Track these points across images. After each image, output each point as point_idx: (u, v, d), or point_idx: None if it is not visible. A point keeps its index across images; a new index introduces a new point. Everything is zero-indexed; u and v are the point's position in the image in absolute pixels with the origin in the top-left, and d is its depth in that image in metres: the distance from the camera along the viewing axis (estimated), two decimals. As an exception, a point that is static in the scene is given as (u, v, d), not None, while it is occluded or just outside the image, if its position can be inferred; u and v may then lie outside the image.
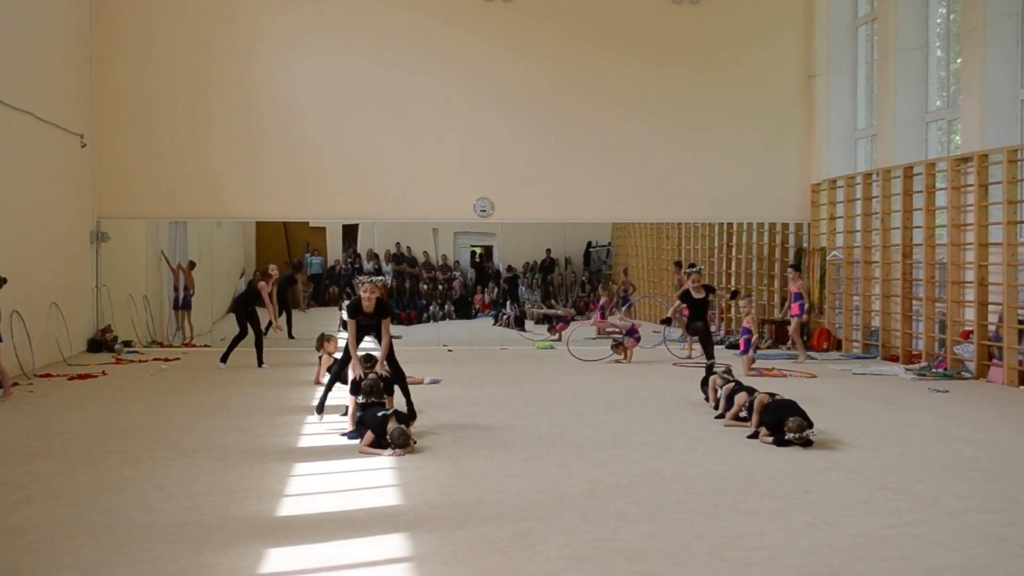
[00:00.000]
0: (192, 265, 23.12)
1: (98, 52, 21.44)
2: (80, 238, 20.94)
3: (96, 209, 21.62)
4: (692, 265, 16.74)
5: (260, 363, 18.14)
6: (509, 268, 24.66)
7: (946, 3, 19.55)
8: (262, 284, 18.08)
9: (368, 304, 11.72)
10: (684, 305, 16.00)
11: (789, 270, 20.93)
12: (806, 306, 19.90)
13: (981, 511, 8.04)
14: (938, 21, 19.79)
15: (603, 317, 22.51)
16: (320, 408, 12.44)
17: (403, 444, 10.25)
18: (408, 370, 16.28)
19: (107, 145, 21.61)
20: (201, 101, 21.80)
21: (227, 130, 21.82)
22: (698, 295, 15.74)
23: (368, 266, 24.46)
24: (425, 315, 24.52)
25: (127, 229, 21.96)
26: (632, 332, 19.44)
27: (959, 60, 18.42)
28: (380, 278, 11.95)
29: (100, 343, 20.71)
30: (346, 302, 13.95)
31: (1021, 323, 15.93)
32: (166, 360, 19.21)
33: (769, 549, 7.01)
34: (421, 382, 15.72)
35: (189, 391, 15.08)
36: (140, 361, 19.10)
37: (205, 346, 22.04)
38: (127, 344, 20.98)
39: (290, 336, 22.26)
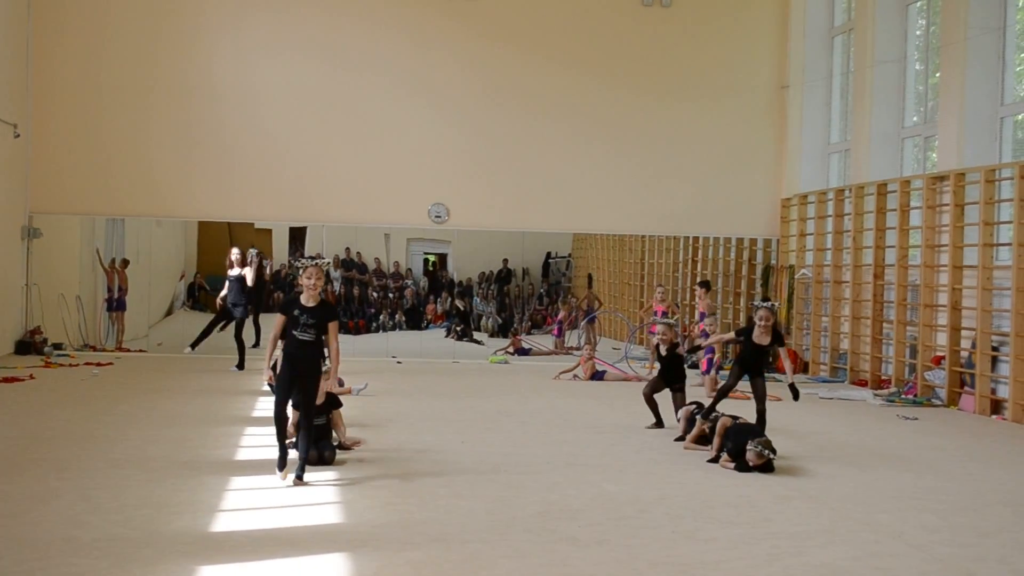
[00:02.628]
0: (125, 263, 22.68)
1: (35, 39, 20.96)
2: (10, 234, 20.41)
3: (28, 203, 21.07)
4: (766, 299, 15.15)
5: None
6: (460, 284, 24.19)
7: (926, 15, 19.47)
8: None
9: (311, 294, 9.59)
10: (728, 338, 13.72)
11: (697, 287, 20.36)
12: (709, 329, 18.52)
13: (948, 544, 7.99)
14: (917, 33, 19.66)
15: (560, 333, 22.00)
16: (193, 345, 11.92)
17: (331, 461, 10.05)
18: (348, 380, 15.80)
19: (42, 136, 21.08)
20: (143, 95, 21.32)
21: (169, 126, 21.39)
22: (762, 340, 11.79)
23: (336, 274, 23.87)
24: (374, 324, 23.96)
25: (61, 225, 21.52)
26: (597, 376, 18.84)
27: (938, 74, 18.24)
28: (325, 260, 10.15)
29: (28, 345, 20.29)
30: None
31: (995, 350, 15.82)
32: (98, 364, 18.85)
33: None
34: (349, 391, 15.43)
35: (122, 398, 14.89)
36: (71, 365, 18.79)
37: (140, 351, 21.82)
38: (57, 347, 20.55)
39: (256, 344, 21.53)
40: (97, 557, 6.92)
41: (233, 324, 18.57)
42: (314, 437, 9.88)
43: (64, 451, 10.65)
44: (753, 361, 11.77)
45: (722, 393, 11.81)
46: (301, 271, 9.64)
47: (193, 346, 18.87)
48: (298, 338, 9.47)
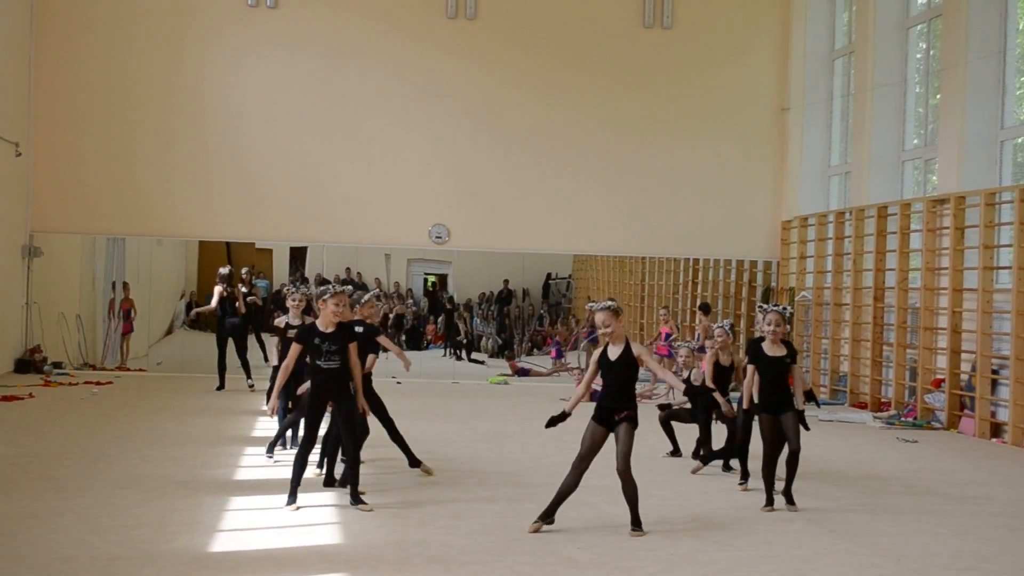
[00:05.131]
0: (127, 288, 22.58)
1: (37, 57, 20.99)
2: (10, 252, 20.44)
3: (29, 222, 21.08)
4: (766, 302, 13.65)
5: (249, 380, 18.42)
6: (450, 300, 24.16)
7: (926, 39, 19.47)
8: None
9: (329, 320, 9.22)
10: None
11: (697, 310, 20.25)
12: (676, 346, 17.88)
13: (947, 568, 7.94)
14: (918, 56, 19.69)
15: (559, 355, 21.92)
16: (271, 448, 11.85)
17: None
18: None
19: (44, 155, 21.08)
20: (145, 115, 21.33)
21: (171, 146, 21.39)
22: (776, 352, 10.07)
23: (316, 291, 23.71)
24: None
25: (61, 244, 21.51)
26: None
27: (938, 97, 18.23)
28: (348, 287, 9.87)
29: (28, 364, 20.27)
30: (282, 318, 12.36)
31: (995, 373, 15.80)
32: (98, 383, 18.82)
33: None
34: None
35: (121, 417, 14.87)
36: (71, 384, 18.77)
37: (140, 370, 21.75)
38: (57, 365, 20.53)
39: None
40: (96, 576, 6.90)
41: (235, 342, 18.44)
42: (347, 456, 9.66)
43: (63, 470, 10.61)
44: (775, 385, 9.92)
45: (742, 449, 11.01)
46: (323, 298, 9.25)
47: (221, 387, 18.51)
48: (323, 367, 9.25)
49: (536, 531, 8.46)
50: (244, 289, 18.62)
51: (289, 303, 12.31)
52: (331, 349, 9.20)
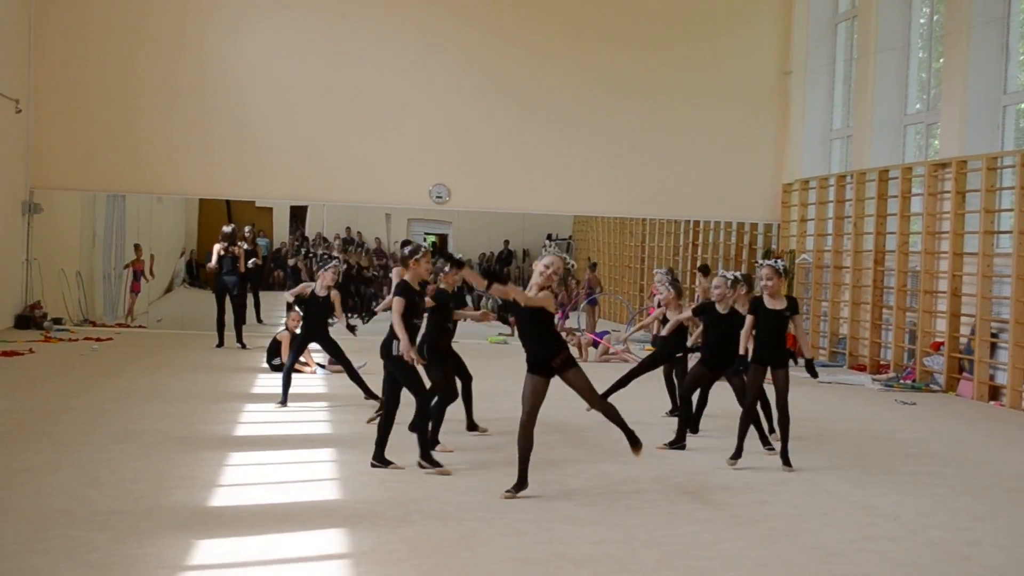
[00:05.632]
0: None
1: (37, 13, 20.73)
2: (11, 209, 20.29)
3: (29, 179, 20.91)
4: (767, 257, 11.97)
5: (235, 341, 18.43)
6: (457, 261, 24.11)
7: (930, 3, 19.39)
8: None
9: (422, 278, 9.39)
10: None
11: (697, 271, 20.17)
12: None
13: (943, 528, 7.99)
14: (921, 21, 19.60)
15: (565, 316, 21.91)
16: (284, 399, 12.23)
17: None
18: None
19: (44, 112, 20.87)
20: (145, 72, 21.10)
21: (171, 104, 21.17)
22: (775, 305, 9.94)
23: (319, 251, 23.78)
24: (373, 304, 23.91)
25: (61, 201, 21.39)
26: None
27: (941, 61, 18.16)
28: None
29: (28, 319, 20.19)
30: (309, 286, 12.37)
31: (994, 336, 15.84)
32: (98, 340, 18.78)
33: (722, 560, 6.91)
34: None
35: (121, 373, 14.86)
36: (70, 340, 18.73)
37: (140, 327, 21.74)
38: (57, 322, 20.47)
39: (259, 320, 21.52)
40: (95, 530, 6.90)
41: (232, 301, 18.49)
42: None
43: (62, 425, 10.63)
44: (771, 339, 9.81)
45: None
46: (415, 257, 9.26)
47: (220, 344, 18.53)
48: (416, 324, 9.40)
49: (511, 498, 8.25)
50: (247, 247, 18.63)
51: (327, 274, 12.31)
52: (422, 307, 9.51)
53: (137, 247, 22.52)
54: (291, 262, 23.98)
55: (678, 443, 10.58)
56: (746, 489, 8.97)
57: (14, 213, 20.41)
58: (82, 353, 16.93)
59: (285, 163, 21.44)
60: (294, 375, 12.80)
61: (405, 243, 9.65)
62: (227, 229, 18.53)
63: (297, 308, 13.09)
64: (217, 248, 18.34)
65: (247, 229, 19.02)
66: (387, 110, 21.64)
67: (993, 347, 15.77)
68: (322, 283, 12.30)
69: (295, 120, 21.44)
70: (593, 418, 12.08)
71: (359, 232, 23.87)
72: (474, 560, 6.63)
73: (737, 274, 10.67)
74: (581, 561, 6.71)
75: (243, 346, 18.37)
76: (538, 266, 8.32)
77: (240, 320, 18.63)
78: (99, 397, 12.57)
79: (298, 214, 23.88)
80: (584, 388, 8.45)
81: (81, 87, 20.94)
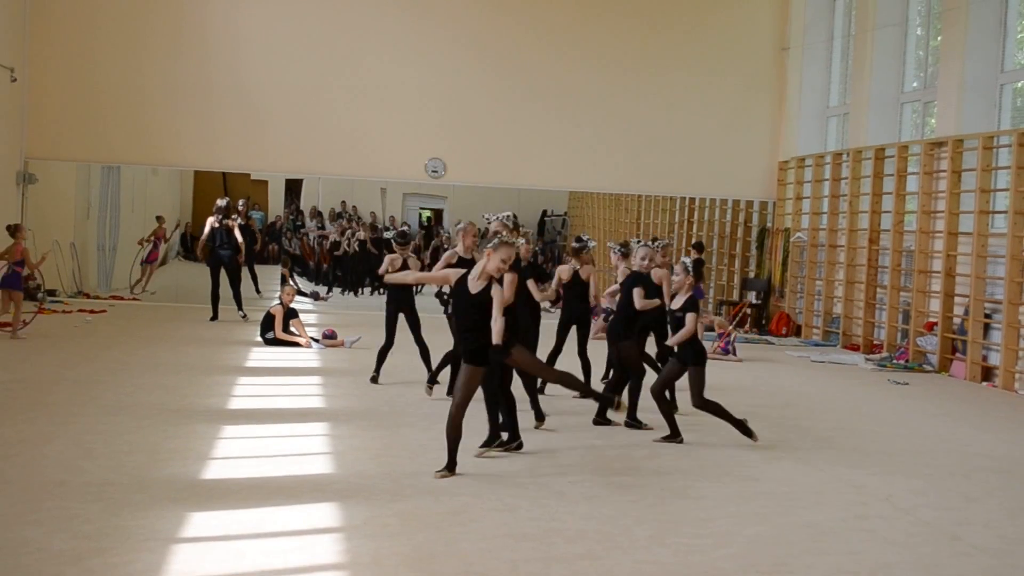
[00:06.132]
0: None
1: (33, -18, 20.65)
2: (5, 179, 20.29)
3: (24, 149, 20.89)
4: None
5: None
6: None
7: None
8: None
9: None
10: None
11: (691, 248, 20.12)
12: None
13: (934, 508, 8.02)
14: (919, -2, 19.42)
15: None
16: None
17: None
18: (341, 334, 15.84)
19: (39, 82, 20.82)
20: (142, 42, 21.05)
21: (167, 75, 21.11)
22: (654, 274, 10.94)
23: (311, 224, 23.66)
24: (367, 279, 23.86)
25: (56, 171, 21.38)
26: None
27: (939, 39, 18.04)
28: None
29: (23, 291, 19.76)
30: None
31: (987, 317, 15.86)
32: (92, 312, 18.83)
33: (714, 537, 6.93)
34: (342, 344, 15.93)
35: (114, 345, 14.91)
36: (64, 311, 18.76)
37: (134, 299, 21.73)
38: (51, 293, 20.26)
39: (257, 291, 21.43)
40: (89, 501, 6.91)
41: (228, 273, 18.43)
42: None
43: (56, 396, 10.64)
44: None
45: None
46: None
47: (215, 317, 18.46)
48: None
49: (442, 479, 8.06)
50: (240, 221, 18.62)
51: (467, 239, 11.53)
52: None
53: (160, 218, 22.56)
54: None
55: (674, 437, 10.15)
56: (738, 467, 9.00)
57: (9, 183, 20.37)
58: (76, 325, 16.95)
59: (282, 136, 21.38)
60: (286, 348, 12.81)
61: (577, 239, 10.08)
62: (221, 203, 18.53)
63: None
64: (211, 221, 18.34)
65: (240, 203, 18.97)
66: (384, 85, 21.54)
67: (986, 328, 15.78)
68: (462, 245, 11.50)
69: (293, 93, 21.36)
70: (583, 405, 12.06)
71: (354, 207, 23.78)
72: (466, 535, 6.64)
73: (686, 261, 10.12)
74: (573, 537, 6.72)
75: (244, 316, 18.39)
76: (495, 257, 8.08)
77: (238, 290, 18.59)
78: (93, 369, 12.60)
79: (293, 187, 23.75)
80: (532, 364, 8.63)
81: (78, 57, 20.85)
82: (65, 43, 20.80)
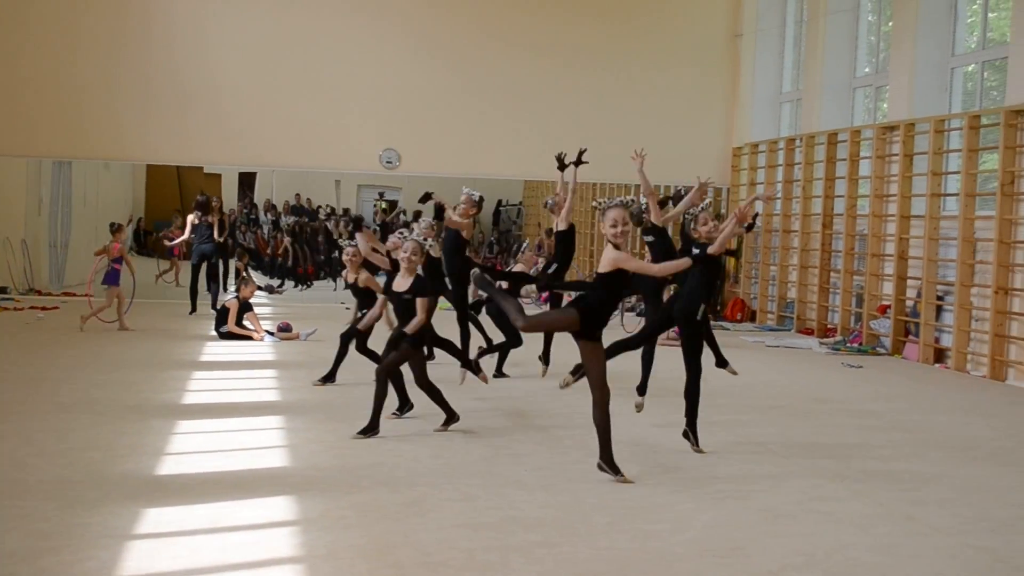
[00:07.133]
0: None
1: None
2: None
3: (-32, 145, 20.59)
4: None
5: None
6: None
7: None
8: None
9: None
10: None
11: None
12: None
13: (889, 489, 8.08)
14: (870, -17, 19.54)
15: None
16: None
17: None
18: (296, 327, 15.77)
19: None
20: (93, 36, 20.64)
21: (119, 68, 20.72)
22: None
23: (265, 217, 23.52)
24: (322, 272, 23.80)
25: (6, 167, 21.03)
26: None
27: (890, 24, 18.13)
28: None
29: None
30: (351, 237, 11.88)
31: (940, 299, 15.99)
32: (43, 309, 18.65)
33: (671, 522, 6.98)
34: (297, 337, 15.80)
35: (67, 341, 14.85)
36: (16, 309, 18.61)
37: (87, 295, 21.01)
38: (2, 290, 20.33)
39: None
40: (43, 499, 6.86)
41: (210, 269, 18.54)
42: None
43: (8, 394, 10.57)
44: None
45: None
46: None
47: (193, 311, 18.56)
48: None
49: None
50: (218, 217, 18.67)
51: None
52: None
53: (178, 211, 22.53)
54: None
55: None
56: (695, 453, 8.98)
57: (-45, 180, 20.07)
58: (27, 322, 16.80)
59: (233, 128, 21.12)
60: (240, 342, 12.73)
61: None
62: (201, 198, 18.63)
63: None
64: (191, 218, 18.43)
65: (214, 200, 18.97)
66: (337, 75, 21.37)
67: (939, 310, 15.92)
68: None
69: (243, 85, 21.13)
70: (545, 383, 12.13)
71: (308, 199, 23.67)
72: (424, 525, 6.63)
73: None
74: (531, 525, 6.73)
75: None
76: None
77: (218, 285, 18.77)
78: (45, 365, 12.48)
79: (246, 180, 23.62)
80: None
81: (20, 50, 20.40)
82: (7, 36, 20.26)
